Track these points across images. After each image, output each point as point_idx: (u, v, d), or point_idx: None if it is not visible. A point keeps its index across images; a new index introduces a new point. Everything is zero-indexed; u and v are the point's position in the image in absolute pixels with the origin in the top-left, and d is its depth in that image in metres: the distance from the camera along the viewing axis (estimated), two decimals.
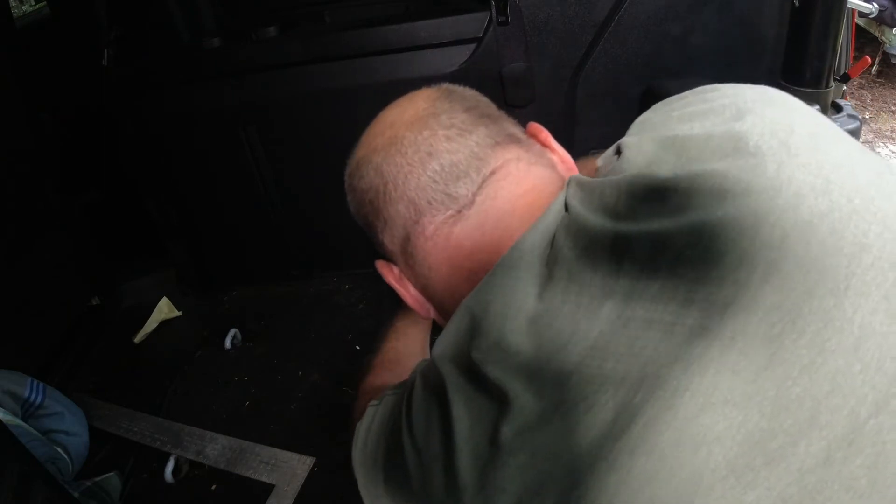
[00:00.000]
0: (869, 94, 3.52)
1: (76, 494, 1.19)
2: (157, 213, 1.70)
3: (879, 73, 3.62)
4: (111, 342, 1.72)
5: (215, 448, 1.32)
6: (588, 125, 1.47)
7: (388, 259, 0.57)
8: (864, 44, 3.47)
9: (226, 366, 1.56)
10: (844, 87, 1.23)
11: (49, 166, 1.64)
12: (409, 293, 0.56)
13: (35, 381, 1.34)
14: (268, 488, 1.22)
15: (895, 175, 0.41)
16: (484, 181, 0.50)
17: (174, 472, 1.29)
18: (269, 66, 1.48)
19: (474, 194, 0.50)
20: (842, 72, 1.18)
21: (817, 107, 1.13)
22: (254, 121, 1.53)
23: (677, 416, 0.35)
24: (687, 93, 0.49)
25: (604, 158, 0.50)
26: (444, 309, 0.54)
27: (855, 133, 1.16)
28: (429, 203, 0.50)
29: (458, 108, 0.53)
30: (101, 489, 1.24)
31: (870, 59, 1.25)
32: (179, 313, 1.77)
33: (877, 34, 3.42)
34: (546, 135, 0.58)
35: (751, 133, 0.40)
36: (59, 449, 1.25)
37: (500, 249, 0.46)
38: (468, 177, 0.50)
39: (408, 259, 0.54)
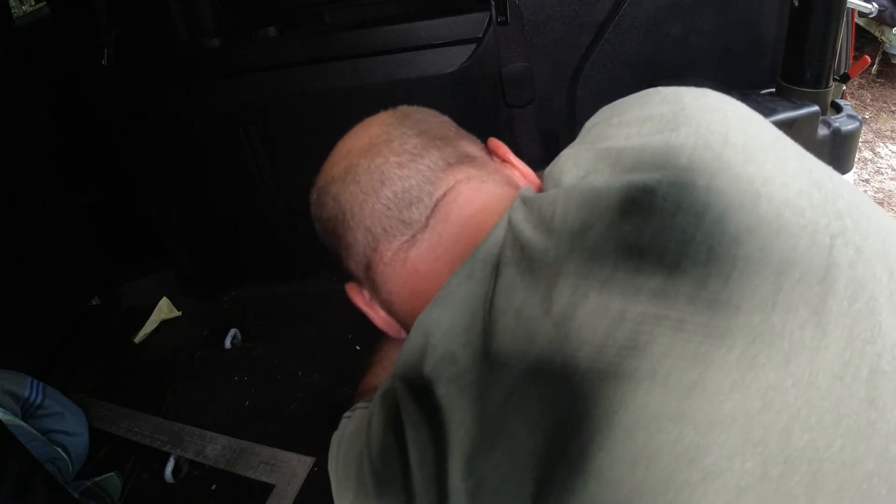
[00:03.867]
0: (869, 94, 3.52)
1: (76, 494, 1.19)
2: (157, 213, 1.70)
3: (879, 73, 3.63)
4: (111, 342, 1.72)
5: (215, 448, 1.32)
6: None
7: (357, 282, 0.58)
8: (864, 44, 3.47)
9: (226, 366, 1.56)
10: (844, 87, 1.23)
11: (49, 166, 1.64)
12: (378, 316, 0.57)
13: (35, 381, 1.34)
14: (268, 488, 1.22)
15: (833, 182, 0.41)
16: (436, 204, 0.51)
17: (174, 472, 1.29)
18: (269, 67, 1.48)
19: (427, 218, 0.51)
20: (842, 72, 1.18)
21: (817, 107, 1.13)
22: (254, 121, 1.53)
23: (611, 435, 0.35)
24: (629, 97, 0.50)
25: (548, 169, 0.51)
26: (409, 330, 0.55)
27: (855, 133, 1.16)
28: (384, 230, 0.52)
29: (411, 133, 0.55)
30: (101, 489, 1.24)
31: (870, 59, 1.25)
32: (179, 313, 1.77)
33: (877, 34, 3.42)
34: (504, 150, 0.59)
35: (684, 146, 0.41)
36: (59, 449, 1.25)
37: (454, 271, 0.46)
38: (421, 202, 0.51)
39: (371, 284, 0.55)
